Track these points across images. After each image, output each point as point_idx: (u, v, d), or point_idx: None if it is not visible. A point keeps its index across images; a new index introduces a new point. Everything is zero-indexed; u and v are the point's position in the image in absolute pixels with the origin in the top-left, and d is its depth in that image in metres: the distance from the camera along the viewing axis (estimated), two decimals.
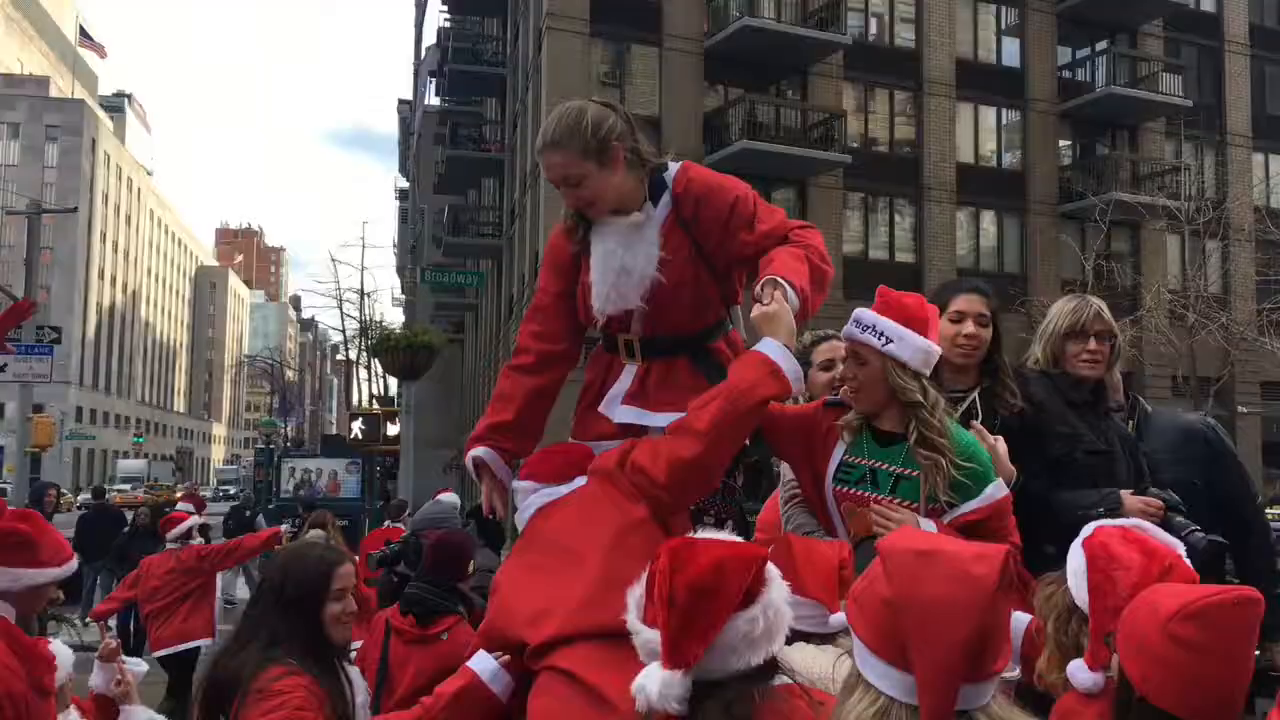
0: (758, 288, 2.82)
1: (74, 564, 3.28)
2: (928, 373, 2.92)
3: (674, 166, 3.08)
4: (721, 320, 3.21)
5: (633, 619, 1.88)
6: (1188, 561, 2.25)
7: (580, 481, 2.89)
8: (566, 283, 3.19)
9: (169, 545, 8.23)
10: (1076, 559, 2.32)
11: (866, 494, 2.96)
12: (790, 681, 1.84)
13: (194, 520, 8.60)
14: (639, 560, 2.62)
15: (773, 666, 1.82)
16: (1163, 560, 2.19)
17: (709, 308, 3.14)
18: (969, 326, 3.45)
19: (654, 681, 1.73)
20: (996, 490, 2.89)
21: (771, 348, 2.77)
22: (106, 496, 20.12)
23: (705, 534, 1.88)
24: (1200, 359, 25.15)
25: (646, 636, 1.82)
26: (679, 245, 3.02)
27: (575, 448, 3.06)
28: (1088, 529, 2.36)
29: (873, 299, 3.08)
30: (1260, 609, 1.84)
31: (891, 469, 2.94)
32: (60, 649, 3.14)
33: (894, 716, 1.44)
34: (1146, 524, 2.41)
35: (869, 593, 1.54)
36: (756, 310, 2.80)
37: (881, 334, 2.90)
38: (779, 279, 2.80)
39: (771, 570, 1.83)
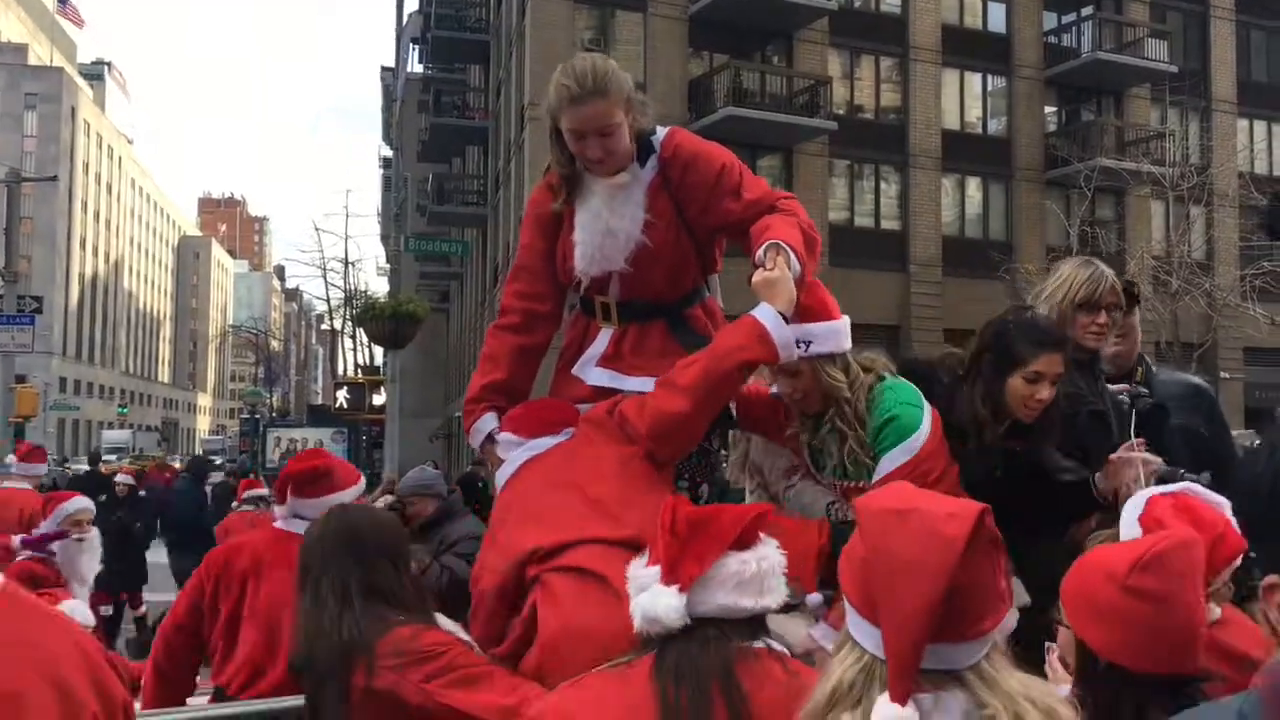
0: (760, 252, 2.82)
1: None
2: (848, 346, 2.97)
3: (661, 131, 3.10)
4: (699, 288, 3.24)
5: (635, 567, 1.98)
6: (1235, 527, 2.26)
7: (564, 436, 2.96)
8: (549, 241, 3.20)
9: (245, 508, 8.81)
10: (1132, 533, 2.32)
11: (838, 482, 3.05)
12: (770, 647, 1.90)
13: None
14: (641, 482, 2.76)
15: (759, 628, 1.92)
16: (1214, 529, 2.22)
17: (688, 274, 3.17)
18: (1044, 391, 3.04)
19: (652, 595, 1.86)
20: (890, 463, 2.88)
21: (767, 314, 2.79)
22: (99, 464, 20.41)
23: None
24: (1183, 325, 25.25)
25: (643, 574, 1.93)
26: (663, 210, 3.04)
27: (557, 403, 3.10)
28: (1139, 501, 2.38)
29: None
30: (1202, 555, 1.94)
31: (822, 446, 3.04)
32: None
33: (877, 674, 1.45)
34: (1197, 488, 2.43)
35: (850, 552, 1.55)
36: (758, 275, 2.80)
37: (800, 341, 2.89)
38: (783, 244, 2.80)
39: (770, 535, 1.94)
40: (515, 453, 2.96)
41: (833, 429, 2.96)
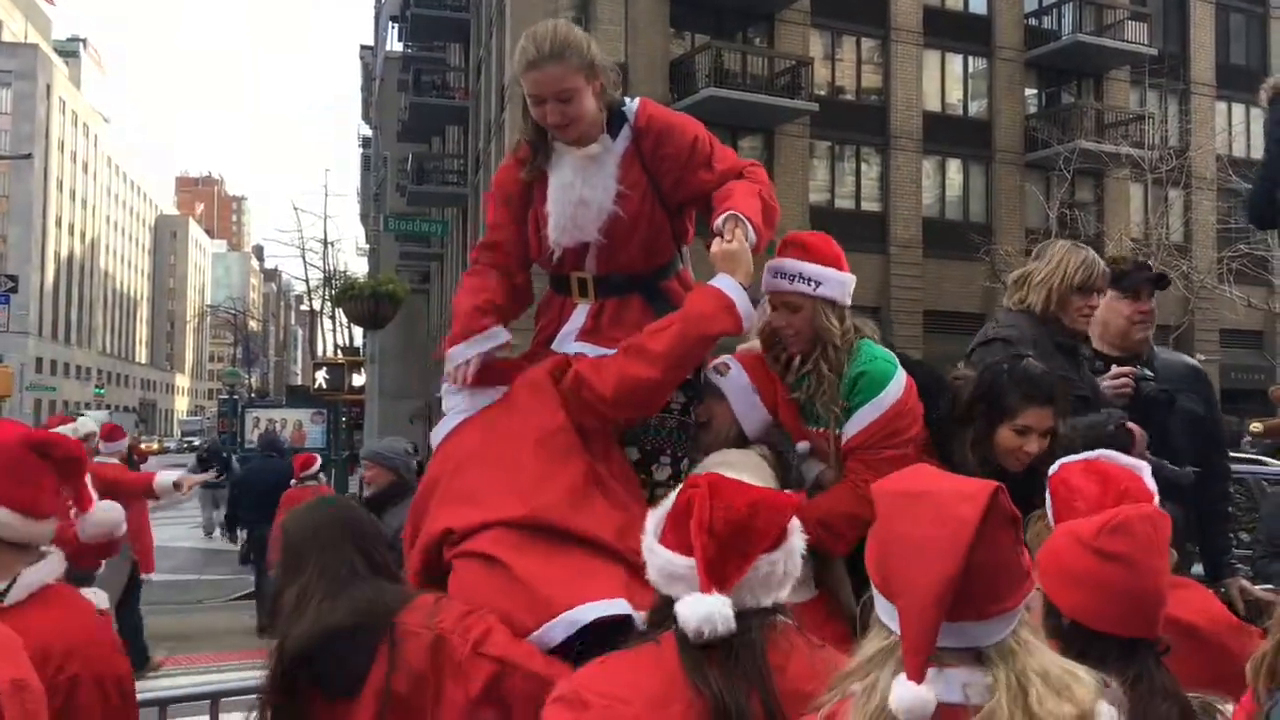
0: (719, 221, 2.87)
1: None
2: (848, 301, 3.09)
3: (632, 102, 3.10)
4: (673, 259, 3.26)
5: (650, 540, 1.97)
6: (1150, 483, 2.32)
7: (500, 392, 3.02)
8: (519, 215, 3.18)
9: (308, 483, 9.71)
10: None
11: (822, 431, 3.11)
12: (790, 623, 1.95)
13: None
14: (561, 458, 2.80)
15: (779, 607, 1.94)
16: (1118, 484, 2.25)
17: (662, 246, 3.19)
18: (1033, 444, 3.01)
19: (696, 603, 1.82)
20: (870, 413, 2.96)
21: (729, 285, 2.86)
22: None
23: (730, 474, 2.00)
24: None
25: (667, 558, 1.91)
26: (636, 180, 3.05)
27: (501, 361, 3.14)
28: (1054, 466, 2.42)
29: (841, 247, 3.13)
30: (1169, 526, 1.99)
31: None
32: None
33: (897, 655, 1.48)
34: (1113, 454, 2.46)
35: (871, 534, 1.59)
36: (717, 246, 2.85)
37: (810, 279, 3.03)
38: (740, 215, 2.86)
39: (795, 521, 1.94)
40: (451, 407, 3.04)
41: (813, 371, 3.04)
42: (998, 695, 1.43)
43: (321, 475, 10.37)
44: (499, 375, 3.08)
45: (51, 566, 2.35)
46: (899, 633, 1.47)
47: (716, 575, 1.83)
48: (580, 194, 3.00)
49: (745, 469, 2.79)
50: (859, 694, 1.49)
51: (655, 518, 1.99)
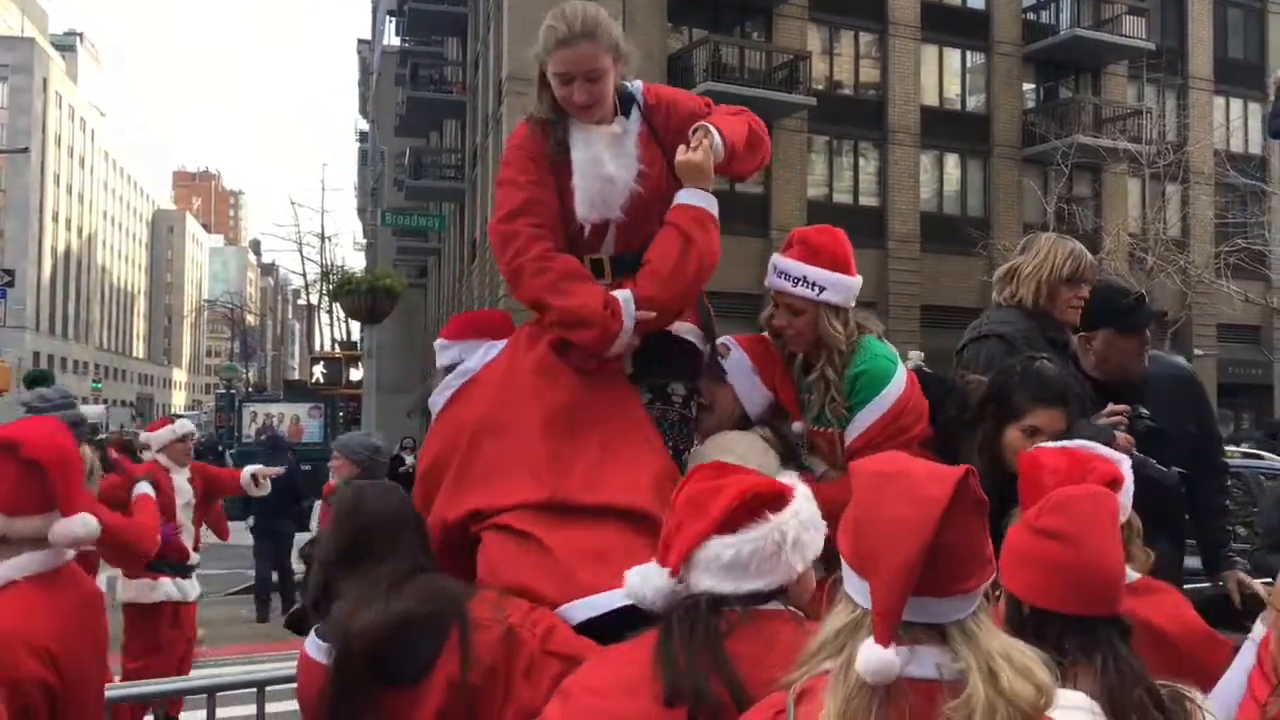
0: (690, 132, 2.94)
1: None
2: (852, 304, 3.10)
3: (637, 84, 3.12)
4: None
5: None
6: (1124, 471, 2.37)
7: (498, 346, 3.02)
8: (546, 174, 3.04)
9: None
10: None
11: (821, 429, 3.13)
12: (783, 609, 1.96)
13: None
14: (571, 434, 2.80)
15: (762, 596, 1.94)
16: (1085, 462, 2.29)
17: None
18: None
19: (644, 575, 1.94)
20: (872, 413, 2.99)
21: (695, 197, 2.95)
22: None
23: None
24: (1158, 301, 25.40)
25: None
26: (654, 158, 3.05)
27: (494, 313, 3.19)
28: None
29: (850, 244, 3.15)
30: (1115, 503, 2.02)
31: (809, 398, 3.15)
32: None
33: (865, 625, 1.54)
34: (1092, 443, 2.47)
35: (846, 513, 1.64)
36: (681, 155, 2.92)
37: (814, 284, 3.03)
38: (710, 126, 2.92)
39: (800, 502, 1.99)
40: (448, 379, 3.03)
41: (820, 377, 3.05)
42: (972, 677, 1.48)
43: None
44: (481, 327, 3.11)
45: (20, 563, 2.39)
46: (867, 606, 1.54)
47: (664, 549, 1.94)
48: (608, 170, 2.98)
49: (746, 450, 2.86)
50: (836, 670, 1.54)
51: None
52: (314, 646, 2.47)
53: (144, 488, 6.36)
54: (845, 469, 3.00)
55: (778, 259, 3.12)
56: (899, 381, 3.01)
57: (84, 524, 2.49)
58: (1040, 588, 1.90)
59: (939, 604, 1.53)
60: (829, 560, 2.00)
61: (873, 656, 1.48)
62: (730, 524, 1.92)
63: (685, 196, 2.95)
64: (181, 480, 7.05)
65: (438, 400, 3.07)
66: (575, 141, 3.00)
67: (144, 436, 7.55)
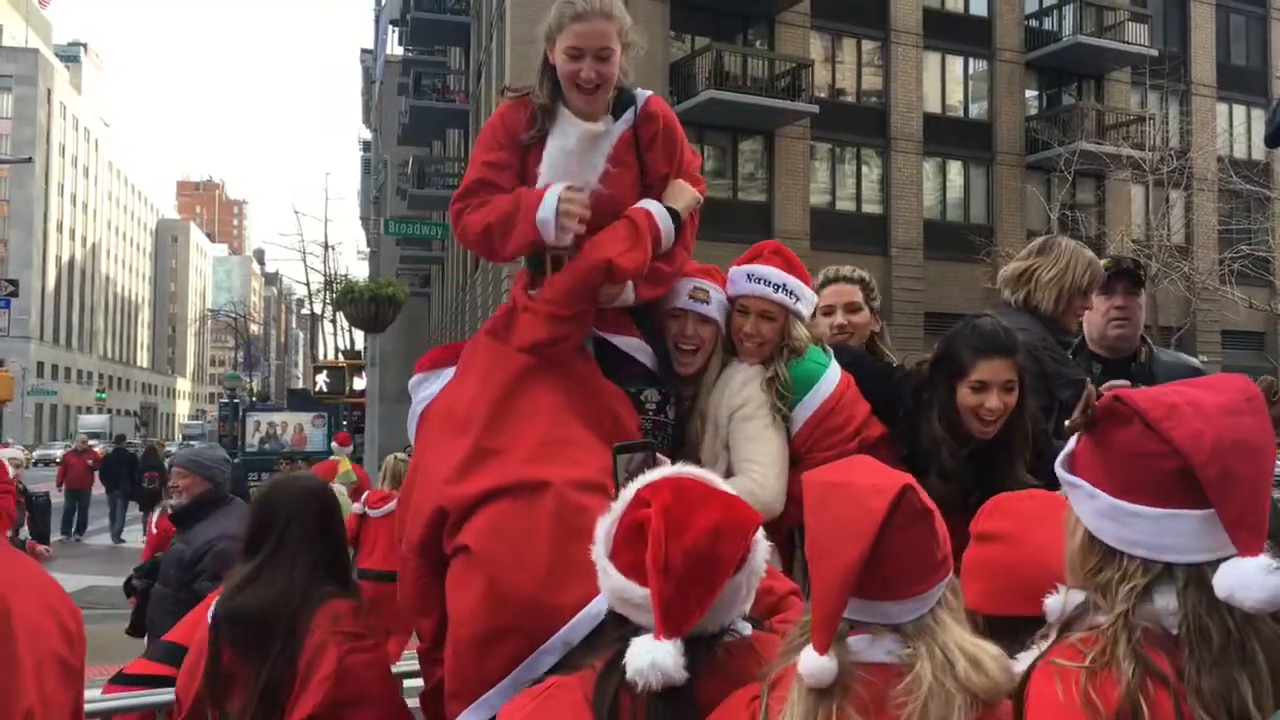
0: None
1: None
2: (808, 317, 3.20)
3: (643, 92, 3.11)
4: None
5: (601, 554, 1.85)
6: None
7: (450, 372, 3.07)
8: (513, 155, 3.05)
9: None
10: None
11: None
12: (747, 636, 1.90)
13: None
14: (532, 415, 2.81)
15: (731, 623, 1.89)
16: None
17: None
18: (993, 400, 2.93)
19: (648, 654, 1.67)
20: (801, 413, 3.06)
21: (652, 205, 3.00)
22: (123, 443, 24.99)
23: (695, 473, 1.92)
24: (1162, 308, 25.40)
25: (622, 585, 1.78)
26: (629, 164, 3.05)
27: (455, 345, 3.22)
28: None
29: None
30: (1058, 501, 1.88)
31: None
32: None
33: None
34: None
35: (806, 519, 1.68)
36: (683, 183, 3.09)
37: (792, 292, 3.11)
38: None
39: (759, 535, 1.86)
40: (418, 398, 3.10)
41: (774, 375, 3.09)
42: (920, 662, 1.55)
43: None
44: (443, 355, 3.17)
45: None
46: None
47: (674, 619, 1.69)
48: (573, 167, 2.97)
49: (749, 378, 3.04)
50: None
51: (604, 528, 1.86)
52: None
53: None
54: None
55: (753, 268, 3.14)
56: (826, 383, 3.10)
57: None
58: (988, 593, 1.89)
59: (894, 606, 1.60)
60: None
61: (810, 662, 1.55)
62: (740, 563, 1.80)
63: (650, 205, 3.00)
64: None
65: (411, 424, 3.13)
66: (555, 131, 3.00)
67: None
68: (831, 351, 3.25)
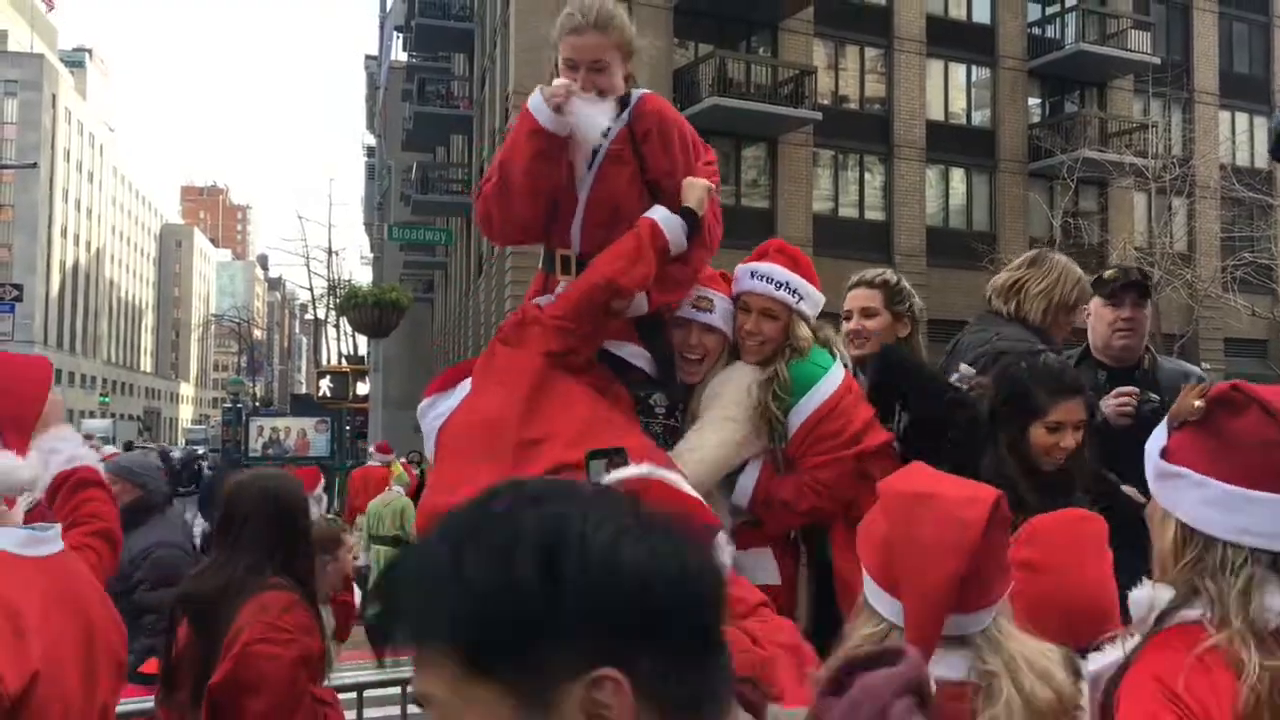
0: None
1: None
2: (814, 317, 3.19)
3: (639, 91, 3.17)
4: None
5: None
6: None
7: (466, 385, 3.07)
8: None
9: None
10: None
11: None
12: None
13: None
14: (558, 409, 2.84)
15: None
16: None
17: None
18: (1068, 439, 2.93)
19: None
20: (796, 417, 3.04)
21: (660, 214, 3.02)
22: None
23: (649, 472, 1.91)
24: (1165, 316, 25.38)
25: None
26: (626, 160, 3.09)
27: (464, 364, 3.24)
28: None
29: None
30: (1100, 526, 1.96)
31: None
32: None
33: (893, 639, 1.55)
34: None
35: (871, 528, 1.64)
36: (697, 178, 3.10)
37: (795, 291, 3.10)
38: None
39: (721, 538, 1.88)
40: (429, 415, 3.11)
41: (773, 375, 3.07)
42: (1002, 682, 1.52)
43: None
44: (453, 376, 3.20)
45: None
46: (892, 620, 1.56)
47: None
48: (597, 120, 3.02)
49: (734, 376, 3.05)
50: None
51: None
52: None
53: None
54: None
55: (757, 265, 3.16)
56: (826, 385, 3.06)
57: None
58: (1025, 620, 1.87)
59: (966, 619, 1.57)
60: None
61: None
62: None
63: (656, 214, 3.02)
64: None
65: (428, 443, 3.14)
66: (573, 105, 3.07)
67: None
68: (842, 354, 3.25)
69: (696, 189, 3.06)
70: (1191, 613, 1.48)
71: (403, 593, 0.88)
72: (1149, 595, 1.56)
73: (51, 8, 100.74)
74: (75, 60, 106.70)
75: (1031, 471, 2.91)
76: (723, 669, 0.91)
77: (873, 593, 1.62)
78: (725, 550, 1.84)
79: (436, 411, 3.09)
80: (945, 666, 1.53)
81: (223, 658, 2.86)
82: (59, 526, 2.22)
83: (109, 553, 2.58)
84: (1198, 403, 1.57)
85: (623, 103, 3.10)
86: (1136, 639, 1.53)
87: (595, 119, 2.97)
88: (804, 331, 3.12)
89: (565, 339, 2.92)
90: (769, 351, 3.12)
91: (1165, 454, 1.59)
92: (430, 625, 0.85)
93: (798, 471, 3.05)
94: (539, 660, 0.83)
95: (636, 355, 3.14)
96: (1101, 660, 1.57)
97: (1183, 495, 1.54)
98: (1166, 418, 1.67)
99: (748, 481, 3.06)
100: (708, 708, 0.88)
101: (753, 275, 3.14)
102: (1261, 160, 32.41)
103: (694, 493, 1.90)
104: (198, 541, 7.36)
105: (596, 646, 0.83)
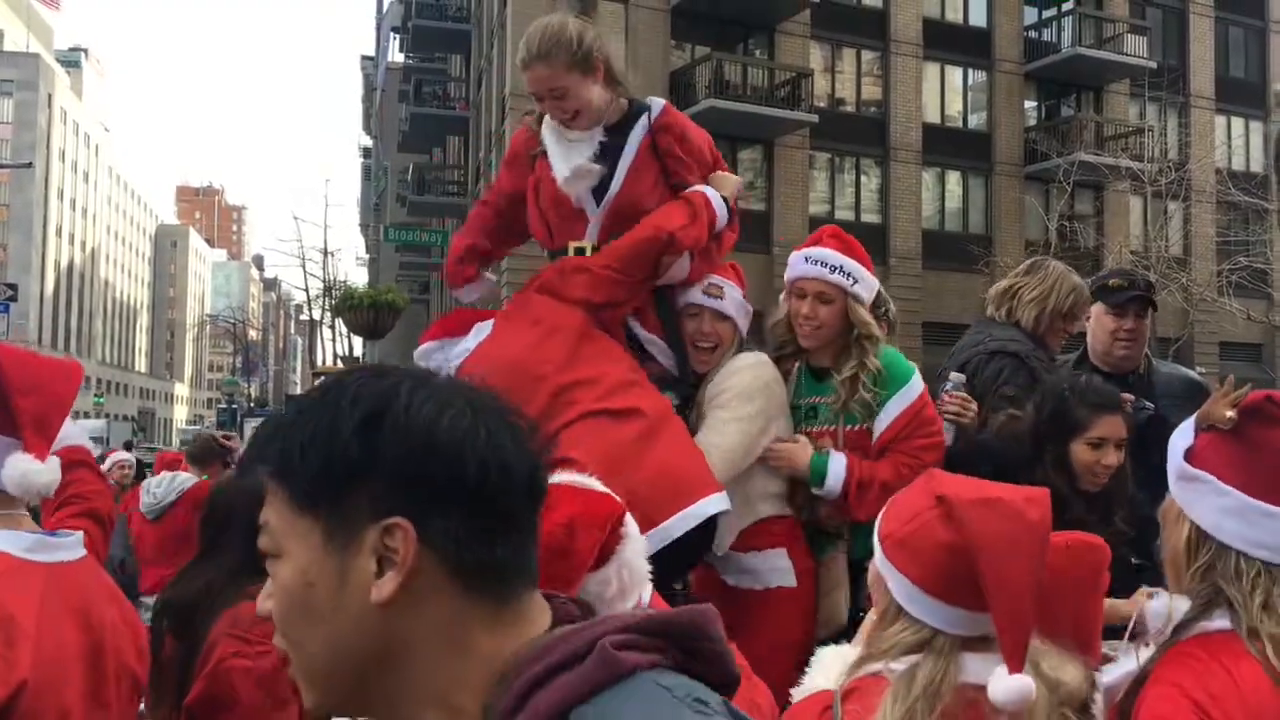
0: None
1: None
2: (869, 301, 3.19)
3: (659, 102, 3.18)
4: None
5: None
6: None
7: (485, 327, 3.08)
8: (519, 181, 3.27)
9: None
10: None
11: (812, 429, 3.15)
12: None
13: None
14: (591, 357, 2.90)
15: None
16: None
17: None
18: (1110, 456, 2.96)
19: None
20: (898, 405, 3.06)
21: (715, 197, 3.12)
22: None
23: (562, 479, 1.79)
24: (1160, 319, 25.38)
25: None
26: (649, 165, 3.11)
27: (463, 311, 3.31)
28: None
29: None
30: (1101, 555, 1.91)
31: (827, 402, 3.15)
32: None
33: (935, 645, 1.54)
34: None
35: (923, 536, 1.60)
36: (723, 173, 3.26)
37: (849, 274, 3.09)
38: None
39: (629, 526, 1.79)
40: (435, 356, 3.13)
41: (859, 364, 3.07)
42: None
43: None
44: (464, 321, 3.24)
45: None
46: (942, 628, 1.53)
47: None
48: (561, 170, 3.07)
49: (740, 366, 3.07)
50: (899, 681, 1.53)
51: None
52: None
53: None
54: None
55: (810, 250, 3.16)
56: (918, 379, 3.12)
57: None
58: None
59: (989, 618, 1.55)
60: None
61: (1014, 685, 1.46)
62: (603, 556, 1.75)
63: (706, 189, 3.12)
64: None
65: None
66: (549, 140, 3.15)
67: None
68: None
69: (730, 183, 3.15)
70: (1212, 624, 1.48)
71: (263, 434, 1.03)
72: (1166, 606, 1.56)
73: (57, 8, 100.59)
74: (71, 60, 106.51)
75: (1079, 491, 2.92)
76: (528, 554, 1.00)
77: (913, 599, 1.59)
78: (636, 540, 1.78)
79: (452, 353, 3.09)
80: (969, 670, 1.52)
81: (196, 674, 2.82)
82: (80, 534, 2.15)
83: (99, 533, 2.52)
84: (1229, 413, 1.56)
85: (634, 113, 3.12)
86: (1151, 649, 1.53)
87: (569, 160, 3.04)
88: (864, 315, 3.12)
89: (613, 289, 2.95)
90: (825, 336, 3.12)
91: (1189, 455, 1.58)
92: (271, 461, 0.99)
93: (893, 454, 3.05)
94: (348, 503, 0.95)
95: (663, 353, 3.17)
96: (1116, 671, 1.57)
97: (1202, 500, 1.53)
98: (1195, 417, 1.65)
99: (838, 467, 3.02)
100: (505, 582, 0.98)
101: (806, 260, 3.14)
102: (1257, 164, 32.48)
103: (601, 489, 1.84)
104: None
105: (396, 499, 0.95)
